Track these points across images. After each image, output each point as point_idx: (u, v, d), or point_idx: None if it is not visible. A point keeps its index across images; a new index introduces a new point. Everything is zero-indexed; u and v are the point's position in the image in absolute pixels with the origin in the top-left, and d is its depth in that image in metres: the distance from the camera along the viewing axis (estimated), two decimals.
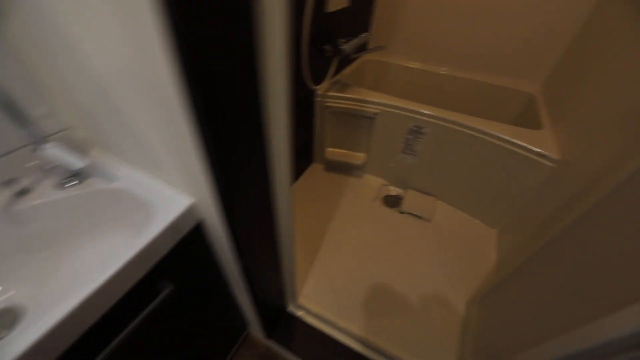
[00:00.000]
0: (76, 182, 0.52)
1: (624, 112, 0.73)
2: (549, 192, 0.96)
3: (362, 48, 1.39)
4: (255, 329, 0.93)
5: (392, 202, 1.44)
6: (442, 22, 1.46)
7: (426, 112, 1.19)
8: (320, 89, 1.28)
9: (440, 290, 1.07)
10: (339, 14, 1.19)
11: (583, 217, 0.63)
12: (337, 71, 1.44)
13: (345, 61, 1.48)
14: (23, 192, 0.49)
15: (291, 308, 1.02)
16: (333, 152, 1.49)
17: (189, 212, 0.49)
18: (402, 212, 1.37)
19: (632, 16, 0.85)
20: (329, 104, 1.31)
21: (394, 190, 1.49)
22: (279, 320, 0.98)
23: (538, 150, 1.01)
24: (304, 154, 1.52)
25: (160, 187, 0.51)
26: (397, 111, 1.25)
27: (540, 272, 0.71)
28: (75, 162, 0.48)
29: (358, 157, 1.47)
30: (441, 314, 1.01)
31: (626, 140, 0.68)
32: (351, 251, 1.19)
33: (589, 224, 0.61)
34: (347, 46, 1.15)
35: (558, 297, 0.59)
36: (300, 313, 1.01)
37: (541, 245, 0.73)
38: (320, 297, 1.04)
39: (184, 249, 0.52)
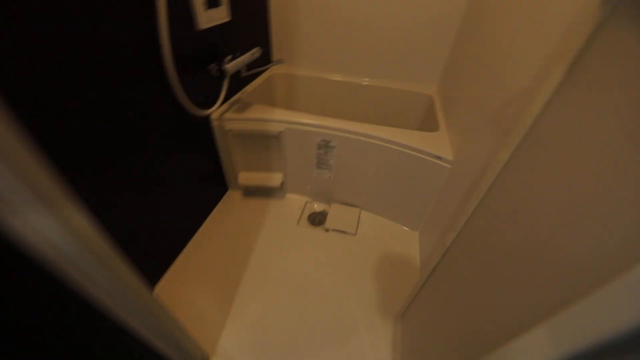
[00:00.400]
0: None
1: (492, 112, 0.76)
2: (450, 191, 0.97)
3: (259, 63, 1.30)
4: None
5: (318, 219, 1.37)
6: (339, 32, 1.45)
7: (330, 125, 1.14)
8: (213, 112, 1.14)
9: (370, 310, 1.02)
10: (220, 30, 1.08)
11: (474, 212, 0.59)
12: (239, 89, 1.33)
13: (248, 78, 1.38)
14: None
15: None
16: (247, 177, 1.37)
17: None
18: (327, 230, 1.30)
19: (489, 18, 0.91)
20: (229, 127, 1.19)
21: (318, 207, 1.43)
22: None
23: (435, 153, 1.02)
24: (216, 182, 1.36)
25: None
26: (302, 127, 1.18)
27: (446, 276, 0.68)
28: None
29: (275, 179, 1.37)
30: (370, 338, 0.95)
31: (495, 138, 0.70)
32: (274, 286, 1.08)
33: (481, 216, 0.58)
34: (231, 65, 1.05)
35: (465, 304, 0.54)
36: None
37: (444, 248, 0.70)
38: (237, 352, 0.89)
39: None
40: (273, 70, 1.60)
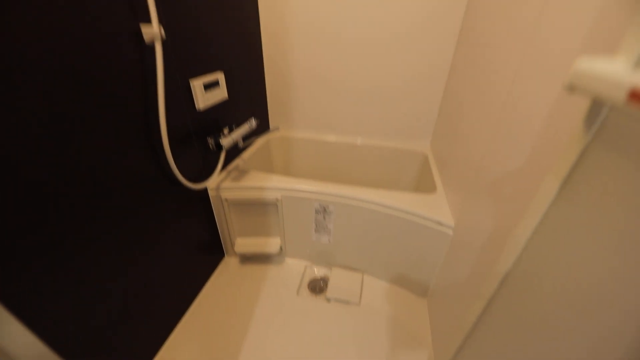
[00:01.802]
0: None
1: (487, 184, 0.75)
2: (457, 258, 0.92)
3: (256, 131, 1.35)
4: None
5: (319, 286, 1.29)
6: (331, 94, 1.53)
7: (327, 191, 1.14)
8: (210, 183, 1.15)
9: None
10: (218, 107, 1.13)
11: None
12: (236, 154, 1.36)
13: (244, 146, 1.42)
14: None
15: None
16: (244, 244, 1.32)
17: None
18: (329, 300, 1.22)
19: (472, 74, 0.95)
20: (226, 196, 1.19)
21: (319, 271, 1.36)
22: None
23: (436, 218, 1.00)
24: (212, 249, 1.32)
25: None
26: (299, 194, 1.17)
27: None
28: None
29: (273, 245, 1.32)
30: None
31: (494, 213, 0.68)
32: None
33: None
34: (228, 139, 1.08)
35: None
36: None
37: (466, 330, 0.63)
38: None
39: None
40: (269, 134, 1.65)
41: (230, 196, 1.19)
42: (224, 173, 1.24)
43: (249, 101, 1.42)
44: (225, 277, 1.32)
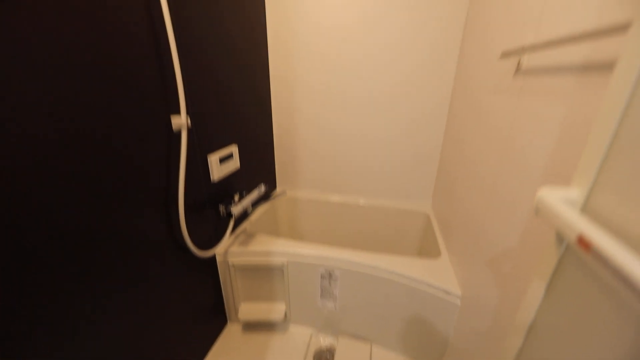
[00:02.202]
0: None
1: (487, 259, 0.77)
2: (467, 329, 0.89)
3: (263, 196, 1.42)
4: None
5: (324, 358, 1.22)
6: (335, 156, 1.64)
7: (333, 256, 1.16)
8: (219, 249, 1.18)
9: None
10: (230, 176, 1.23)
11: None
12: (244, 218, 1.41)
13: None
14: None
15: None
16: (248, 311, 1.29)
17: None
18: None
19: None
20: (233, 262, 1.20)
21: (324, 340, 1.29)
22: None
23: (443, 287, 1.00)
24: (216, 315, 1.28)
25: None
26: (304, 259, 1.19)
27: None
28: None
29: (277, 311, 1.29)
30: None
31: (495, 289, 0.69)
32: None
33: None
34: (238, 207, 1.14)
35: None
36: None
37: None
38: None
39: None
40: (276, 199, 1.73)
41: (237, 261, 1.21)
42: (232, 237, 1.28)
43: (259, 167, 1.52)
44: (228, 346, 1.26)
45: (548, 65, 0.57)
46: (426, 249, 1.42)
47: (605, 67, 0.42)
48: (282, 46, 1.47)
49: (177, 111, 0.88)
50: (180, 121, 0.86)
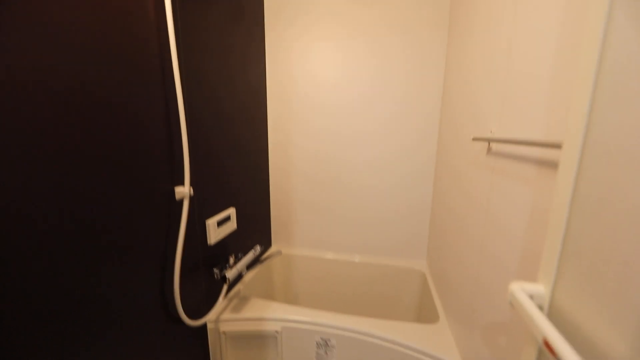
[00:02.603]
0: None
1: (482, 327, 0.77)
2: None
3: (259, 256, 1.42)
4: None
5: None
6: (329, 214, 1.68)
7: (329, 323, 1.12)
8: (211, 316, 1.14)
9: None
10: (227, 238, 1.24)
11: None
12: (238, 279, 1.39)
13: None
14: None
15: None
16: None
17: None
18: None
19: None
20: (224, 329, 1.15)
21: None
22: None
23: (442, 357, 0.96)
24: None
25: None
26: (299, 325, 1.15)
27: None
28: None
29: None
30: None
31: (493, 354, 0.68)
32: None
33: None
34: (233, 271, 1.14)
35: None
36: None
37: None
38: None
39: None
40: (271, 258, 1.72)
41: (228, 329, 1.16)
42: (225, 301, 1.25)
43: (255, 226, 1.55)
44: None
45: (512, 153, 0.66)
46: (424, 311, 1.39)
47: (555, 165, 0.50)
48: (278, 109, 1.62)
49: (181, 182, 0.94)
50: (184, 191, 0.91)
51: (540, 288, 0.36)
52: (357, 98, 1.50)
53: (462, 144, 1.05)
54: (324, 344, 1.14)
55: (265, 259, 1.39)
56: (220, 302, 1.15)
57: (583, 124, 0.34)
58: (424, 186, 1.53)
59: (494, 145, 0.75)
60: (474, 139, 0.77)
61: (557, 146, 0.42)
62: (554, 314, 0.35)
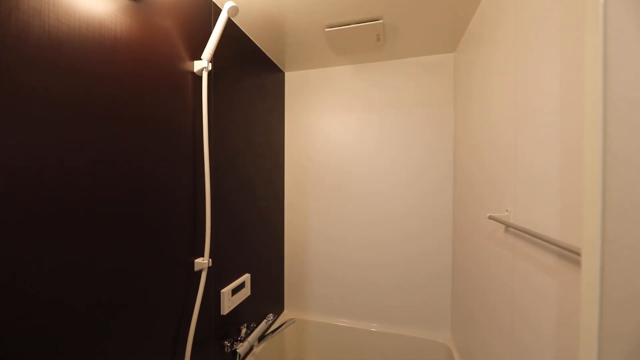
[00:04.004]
0: None
1: None
2: None
3: (270, 325, 1.36)
4: None
5: None
6: (343, 279, 1.62)
7: None
8: None
9: None
10: (241, 304, 1.21)
11: None
12: (248, 352, 1.31)
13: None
14: None
15: None
16: None
17: None
18: None
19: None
20: None
21: None
22: None
23: None
24: None
25: None
26: None
27: None
28: None
29: None
30: None
31: None
32: None
33: None
34: (244, 345, 1.09)
35: None
36: None
37: None
38: None
39: None
40: (284, 329, 1.64)
41: None
42: None
43: (269, 292, 1.51)
44: None
45: (531, 239, 0.66)
46: None
47: (577, 262, 0.49)
48: (295, 172, 1.70)
49: (201, 253, 0.96)
50: (203, 262, 0.93)
51: None
52: (372, 165, 1.57)
53: (476, 220, 1.04)
54: None
55: (278, 328, 1.32)
56: None
57: (598, 234, 0.36)
58: (444, 255, 1.48)
59: (512, 228, 0.75)
60: (490, 218, 0.78)
61: (575, 252, 0.43)
62: None
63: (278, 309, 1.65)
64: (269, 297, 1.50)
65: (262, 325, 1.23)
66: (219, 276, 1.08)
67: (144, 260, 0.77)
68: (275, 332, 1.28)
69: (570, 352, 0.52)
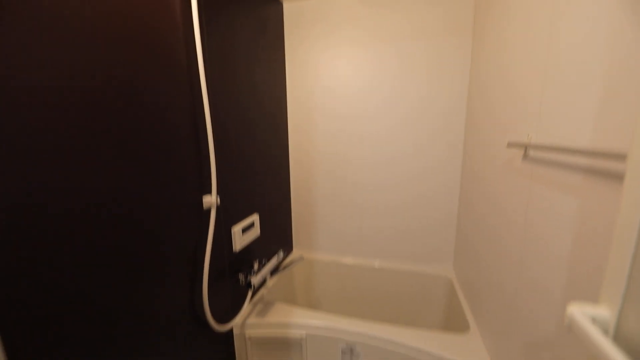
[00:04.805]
0: None
1: (521, 344, 0.73)
2: None
3: (280, 262, 1.43)
4: None
5: None
6: (349, 217, 1.66)
7: (354, 330, 1.11)
8: (237, 320, 1.16)
9: None
10: (250, 244, 1.26)
11: None
12: (260, 286, 1.40)
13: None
14: None
15: None
16: None
17: None
18: None
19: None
20: (251, 334, 1.16)
21: None
22: None
23: None
24: None
25: None
26: (324, 332, 1.14)
27: None
28: None
29: None
30: None
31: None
32: None
33: None
34: (258, 277, 1.15)
35: None
36: None
37: None
38: None
39: None
40: (293, 264, 1.73)
41: (254, 334, 1.17)
42: (250, 306, 1.26)
43: (277, 231, 1.56)
44: None
45: (554, 160, 0.62)
46: (453, 319, 1.34)
47: (609, 176, 0.46)
48: (299, 113, 1.62)
49: (209, 191, 0.96)
50: (211, 200, 0.93)
51: (604, 311, 0.34)
52: (378, 103, 1.48)
53: (492, 150, 1.00)
54: (349, 351, 1.12)
55: (288, 264, 1.39)
56: (246, 307, 1.17)
57: None
58: (450, 196, 1.47)
59: (531, 153, 0.71)
60: (509, 145, 0.73)
61: (615, 157, 0.39)
62: (621, 340, 0.32)
63: (287, 248, 1.72)
64: (277, 237, 1.56)
65: (273, 260, 1.29)
66: (229, 216, 1.10)
67: (154, 197, 0.76)
68: (286, 268, 1.35)
69: (582, 278, 0.52)
